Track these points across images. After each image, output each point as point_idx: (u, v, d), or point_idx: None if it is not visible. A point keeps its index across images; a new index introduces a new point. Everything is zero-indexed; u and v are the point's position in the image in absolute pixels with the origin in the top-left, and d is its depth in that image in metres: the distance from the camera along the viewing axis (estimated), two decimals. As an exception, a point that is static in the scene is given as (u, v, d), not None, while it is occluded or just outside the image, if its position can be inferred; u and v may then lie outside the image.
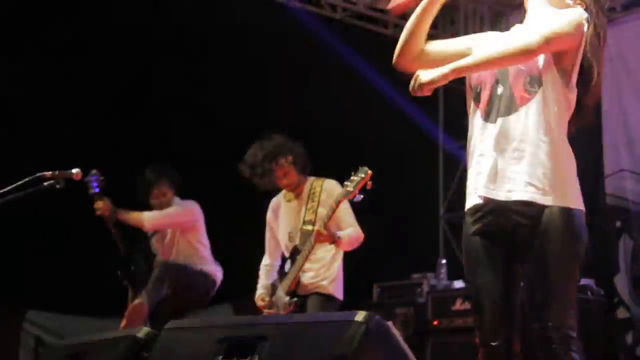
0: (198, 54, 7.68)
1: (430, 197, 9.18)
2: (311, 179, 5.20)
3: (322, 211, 4.97)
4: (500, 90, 3.12)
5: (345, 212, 5.00)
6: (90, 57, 7.13)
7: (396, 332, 2.90)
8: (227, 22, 7.44)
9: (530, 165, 3.02)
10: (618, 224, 7.87)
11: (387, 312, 7.38)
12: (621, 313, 7.60)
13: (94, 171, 5.75)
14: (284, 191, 5.29)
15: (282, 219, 5.27)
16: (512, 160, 3.04)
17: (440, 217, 9.17)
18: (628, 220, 7.81)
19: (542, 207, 2.99)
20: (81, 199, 5.71)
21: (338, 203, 4.81)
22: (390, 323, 2.82)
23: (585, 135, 8.21)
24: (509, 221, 3.03)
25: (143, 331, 3.29)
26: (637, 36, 8.09)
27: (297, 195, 5.18)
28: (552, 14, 3.11)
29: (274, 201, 5.35)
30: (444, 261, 7.93)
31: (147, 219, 5.97)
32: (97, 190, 5.73)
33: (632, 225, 7.78)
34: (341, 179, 4.95)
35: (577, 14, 3.05)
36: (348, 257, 5.24)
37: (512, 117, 3.07)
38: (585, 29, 3.07)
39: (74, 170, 4.40)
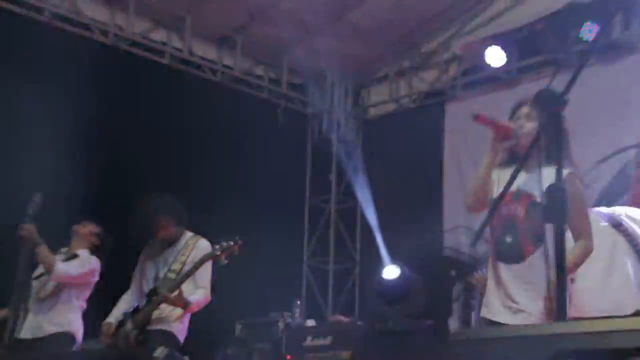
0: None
1: (296, 244, 9.28)
2: (188, 234, 5.24)
3: (187, 267, 5.01)
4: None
5: (204, 272, 5.05)
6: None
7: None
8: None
9: None
10: (453, 273, 8.11)
11: (247, 346, 7.43)
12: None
13: (37, 195, 5.49)
14: None
15: (154, 261, 5.26)
16: None
17: (304, 262, 9.28)
18: (460, 269, 8.06)
19: None
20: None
21: (202, 262, 4.89)
22: (186, 358, 2.84)
23: (427, 195, 8.58)
24: None
25: None
26: (476, 110, 8.41)
27: (173, 245, 5.21)
28: None
29: (150, 244, 5.34)
30: (299, 302, 8.00)
31: (58, 267, 5.53)
32: (30, 213, 5.46)
33: (463, 274, 8.02)
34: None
35: None
36: (215, 296, 5.21)
37: None
38: None
39: None
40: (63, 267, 5.52)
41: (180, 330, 5.05)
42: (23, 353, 5.39)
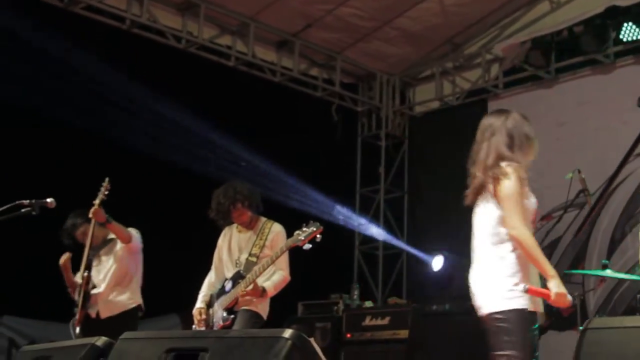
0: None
1: (349, 232, 9.19)
2: (263, 219, 5.16)
3: (267, 251, 4.94)
4: None
5: (283, 256, 4.95)
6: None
7: (316, 346, 2.85)
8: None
9: None
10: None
11: (309, 326, 7.35)
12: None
13: (106, 180, 5.38)
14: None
15: (232, 245, 5.17)
16: None
17: (356, 248, 9.19)
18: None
19: None
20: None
21: (287, 248, 4.79)
22: (311, 339, 2.76)
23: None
24: None
25: (102, 340, 3.18)
26: (514, 106, 8.25)
27: (249, 230, 5.14)
28: None
29: (227, 229, 5.25)
30: (357, 285, 7.92)
31: (134, 235, 5.54)
32: (101, 196, 5.32)
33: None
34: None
35: None
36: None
37: None
38: None
39: (49, 200, 4.27)
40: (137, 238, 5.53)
41: (264, 309, 4.98)
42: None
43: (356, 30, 8.46)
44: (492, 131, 3.50)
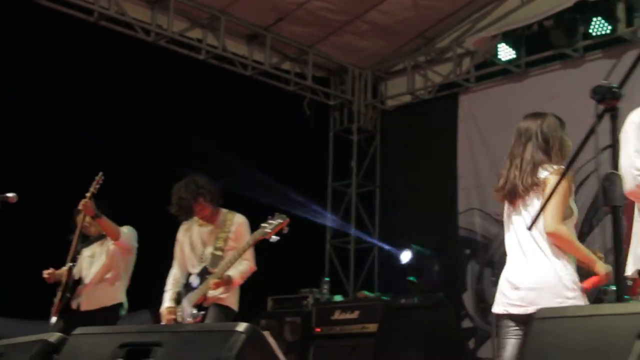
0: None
1: (320, 226, 9.10)
2: (224, 210, 5.06)
3: (231, 243, 4.87)
4: None
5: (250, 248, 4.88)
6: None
7: (271, 341, 2.78)
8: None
9: None
10: (467, 251, 7.95)
11: (278, 320, 7.27)
12: (466, 323, 7.65)
13: (100, 174, 5.27)
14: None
15: (195, 240, 5.07)
16: None
17: (327, 242, 9.11)
18: (475, 249, 7.90)
19: None
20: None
21: (255, 241, 4.69)
22: (266, 332, 2.68)
23: (443, 180, 8.39)
24: None
25: (55, 336, 3.06)
26: (485, 100, 8.26)
27: (211, 223, 5.04)
28: None
29: (186, 223, 5.15)
30: (327, 279, 7.84)
31: (124, 232, 5.46)
32: (91, 190, 5.23)
33: (478, 253, 7.86)
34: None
35: None
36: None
37: None
38: None
39: (10, 195, 4.15)
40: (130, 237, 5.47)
41: (233, 301, 4.89)
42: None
43: (328, 24, 8.37)
44: (529, 136, 3.50)
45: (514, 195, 3.49)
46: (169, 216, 5.17)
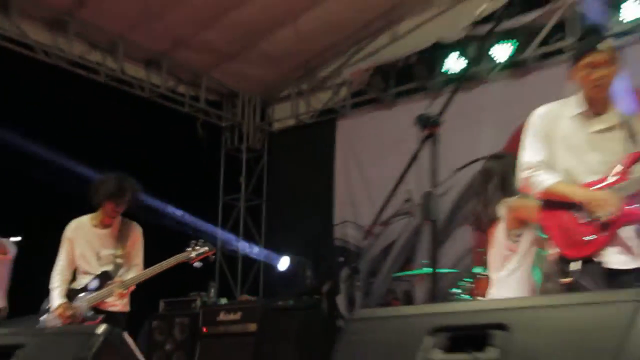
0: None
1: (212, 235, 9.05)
2: (119, 217, 4.80)
3: (129, 250, 4.71)
4: None
5: (139, 251, 4.80)
6: None
7: (131, 342, 2.75)
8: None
9: None
10: (341, 259, 8.10)
11: (169, 321, 7.19)
12: (339, 323, 7.76)
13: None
14: (89, 215, 4.83)
15: (91, 239, 4.77)
16: None
17: (218, 249, 9.07)
18: (348, 256, 8.06)
19: None
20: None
21: (177, 262, 4.62)
22: (125, 334, 2.65)
23: (322, 195, 8.53)
24: None
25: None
26: (359, 125, 8.47)
27: (107, 226, 4.77)
28: None
29: (75, 222, 4.82)
30: (213, 283, 7.82)
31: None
32: None
33: (350, 260, 8.02)
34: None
35: None
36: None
37: None
38: None
39: None
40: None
41: (127, 305, 4.80)
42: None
43: (220, 53, 8.39)
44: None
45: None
46: (48, 223, 5.01)
